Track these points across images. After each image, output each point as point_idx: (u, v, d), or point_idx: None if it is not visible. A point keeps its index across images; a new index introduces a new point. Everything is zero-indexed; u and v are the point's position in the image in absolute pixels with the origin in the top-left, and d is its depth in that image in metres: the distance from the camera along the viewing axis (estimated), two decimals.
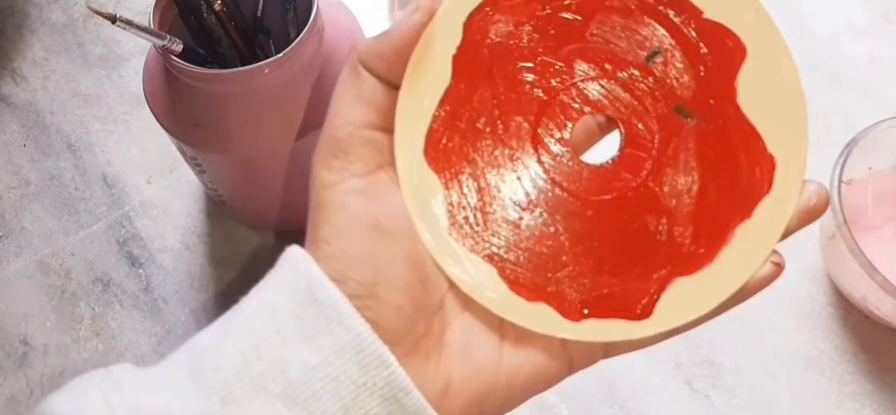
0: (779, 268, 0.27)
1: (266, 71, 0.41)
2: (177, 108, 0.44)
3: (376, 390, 0.24)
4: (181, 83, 0.43)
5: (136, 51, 0.65)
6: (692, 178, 0.27)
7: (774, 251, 0.26)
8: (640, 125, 0.27)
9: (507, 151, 0.28)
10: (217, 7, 0.43)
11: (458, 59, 0.28)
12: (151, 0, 0.43)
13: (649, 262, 0.27)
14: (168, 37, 0.41)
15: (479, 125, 0.28)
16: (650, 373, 0.49)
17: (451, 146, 0.28)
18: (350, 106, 0.27)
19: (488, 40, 0.28)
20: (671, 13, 0.28)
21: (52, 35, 0.67)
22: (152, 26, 0.42)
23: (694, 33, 0.27)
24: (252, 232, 0.56)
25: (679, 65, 0.27)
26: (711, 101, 0.27)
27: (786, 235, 0.26)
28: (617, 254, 0.27)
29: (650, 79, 0.28)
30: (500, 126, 0.28)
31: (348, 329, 0.24)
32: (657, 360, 0.49)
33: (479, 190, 0.28)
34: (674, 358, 0.50)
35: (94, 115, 0.62)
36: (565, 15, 0.28)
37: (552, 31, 0.28)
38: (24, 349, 0.53)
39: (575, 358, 0.28)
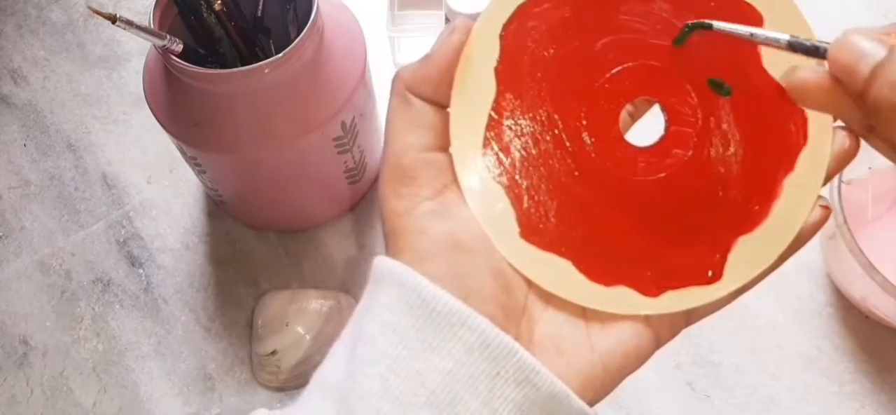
0: (827, 211, 0.28)
1: (266, 71, 0.41)
2: (177, 108, 0.44)
3: (509, 377, 0.26)
4: (181, 83, 0.43)
5: (136, 51, 0.65)
6: (736, 143, 0.29)
7: (820, 196, 0.28)
8: (680, 104, 0.29)
9: (561, 151, 0.29)
10: (217, 7, 0.43)
11: (499, 71, 0.29)
12: (151, 0, 0.43)
13: (711, 228, 0.29)
14: (168, 37, 0.41)
15: (530, 131, 0.29)
16: (650, 373, 0.49)
17: (509, 155, 0.29)
18: (406, 133, 0.28)
19: (525, 47, 0.29)
20: None
21: (52, 35, 0.67)
22: (152, 26, 0.42)
23: (714, 9, 0.29)
24: (252, 232, 0.56)
25: (707, 42, 0.29)
26: (740, 70, 0.29)
27: (827, 179, 0.28)
28: (681, 226, 0.29)
29: (682, 59, 0.29)
30: (551, 127, 0.29)
31: (472, 329, 0.26)
32: (657, 360, 0.49)
33: (543, 191, 0.29)
34: (674, 358, 0.50)
35: (94, 115, 0.62)
36: (592, 11, 0.30)
37: (583, 30, 0.29)
38: (24, 349, 0.53)
39: (660, 331, 0.29)
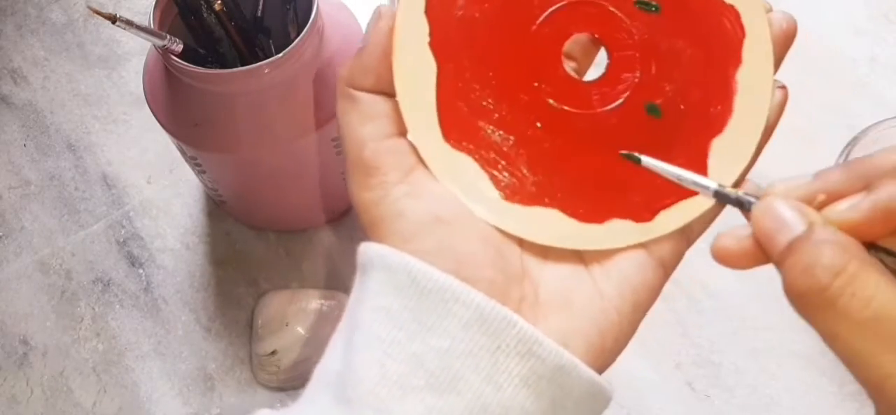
0: (784, 90, 0.29)
1: (266, 71, 0.41)
2: (177, 108, 0.44)
3: (511, 350, 0.25)
4: (181, 83, 0.43)
5: (136, 51, 0.65)
6: (679, 52, 0.29)
7: (775, 80, 0.29)
8: (616, 31, 0.30)
9: (516, 106, 0.29)
10: (217, 7, 0.43)
11: (433, 44, 0.29)
12: (151, 0, 0.43)
13: (682, 139, 0.29)
14: (168, 37, 0.41)
15: (479, 92, 0.29)
16: (650, 373, 0.49)
17: (465, 121, 0.29)
18: (360, 127, 0.28)
19: (453, 15, 0.29)
20: None
21: (52, 35, 0.67)
22: (152, 26, 0.42)
23: None
24: (252, 232, 0.56)
25: None
26: None
27: (777, 63, 0.29)
28: (653, 144, 0.29)
29: None
30: (500, 85, 0.29)
31: (466, 304, 0.25)
32: (657, 360, 0.49)
33: (509, 148, 0.29)
34: (674, 358, 0.50)
35: (94, 115, 0.62)
36: None
37: None
38: (24, 349, 0.53)
39: (664, 257, 0.28)
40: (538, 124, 0.29)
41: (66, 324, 0.53)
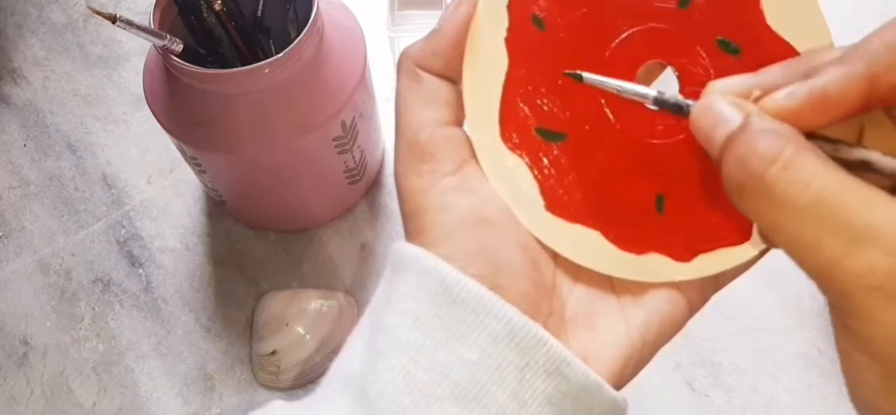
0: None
1: (266, 71, 0.41)
2: (177, 108, 0.44)
3: (539, 368, 0.24)
4: (181, 83, 0.43)
5: (136, 51, 0.65)
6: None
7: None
8: (692, 65, 0.29)
9: (579, 120, 0.29)
10: (217, 7, 0.43)
11: (510, 42, 0.29)
12: (151, 0, 0.43)
13: None
14: (168, 37, 0.41)
15: (547, 100, 0.29)
16: (650, 373, 0.48)
17: (526, 125, 0.29)
18: (420, 109, 0.27)
19: (533, 18, 0.29)
20: None
21: (52, 35, 0.67)
22: (152, 26, 0.42)
23: None
24: (252, 232, 0.56)
25: (711, 3, 0.29)
26: (746, 28, 0.29)
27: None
28: (706, 187, 0.28)
29: (689, 20, 0.29)
30: (567, 97, 0.29)
31: (498, 318, 0.24)
32: (657, 360, 0.49)
33: (563, 160, 0.28)
34: (674, 358, 0.50)
35: (94, 115, 0.62)
36: None
37: None
38: (24, 349, 0.53)
39: (692, 297, 0.28)
40: (598, 143, 0.29)
41: (66, 324, 0.53)
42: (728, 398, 0.48)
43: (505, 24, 0.28)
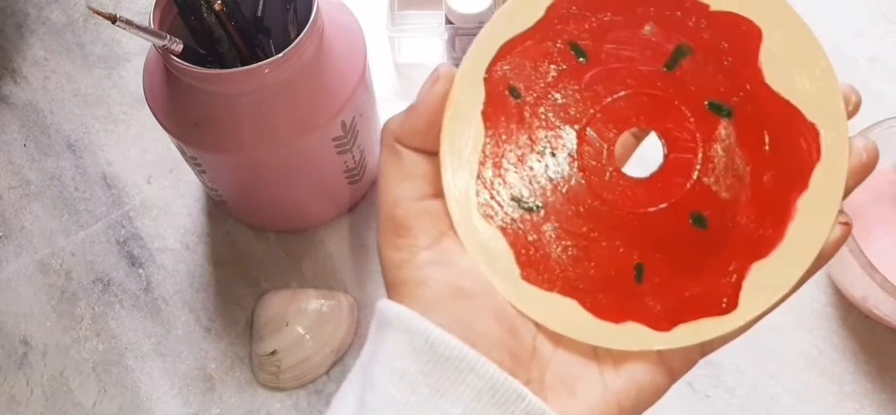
0: (848, 227, 0.27)
1: (266, 71, 0.41)
2: (177, 108, 0.44)
3: None
4: (181, 83, 0.43)
5: (136, 51, 0.65)
6: (742, 165, 0.27)
7: (841, 212, 0.27)
8: (678, 130, 0.28)
9: (556, 187, 0.28)
10: (217, 7, 0.43)
11: (486, 114, 0.28)
12: (151, 0, 0.43)
13: (722, 256, 0.27)
14: (168, 37, 0.41)
15: (524, 170, 0.29)
16: None
17: (503, 196, 0.28)
18: (398, 184, 0.28)
19: (511, 87, 0.29)
20: (678, 15, 0.28)
21: (52, 35, 0.67)
22: (152, 26, 0.42)
23: (707, 28, 0.28)
24: (252, 232, 0.56)
25: (701, 62, 0.28)
26: (740, 88, 0.28)
27: (846, 194, 0.27)
28: (689, 256, 0.28)
29: (676, 83, 0.28)
30: (543, 165, 0.29)
31: (480, 374, 0.25)
32: None
33: (539, 229, 0.28)
34: None
35: (94, 115, 0.62)
36: (579, 43, 0.29)
37: (570, 63, 0.29)
38: (24, 349, 0.53)
39: (674, 365, 0.28)
40: (576, 212, 0.28)
41: (66, 324, 0.53)
42: (728, 398, 0.48)
43: (481, 96, 0.28)
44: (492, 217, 0.28)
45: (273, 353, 0.49)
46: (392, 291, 0.28)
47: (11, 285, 0.55)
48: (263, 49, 0.49)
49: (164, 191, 0.58)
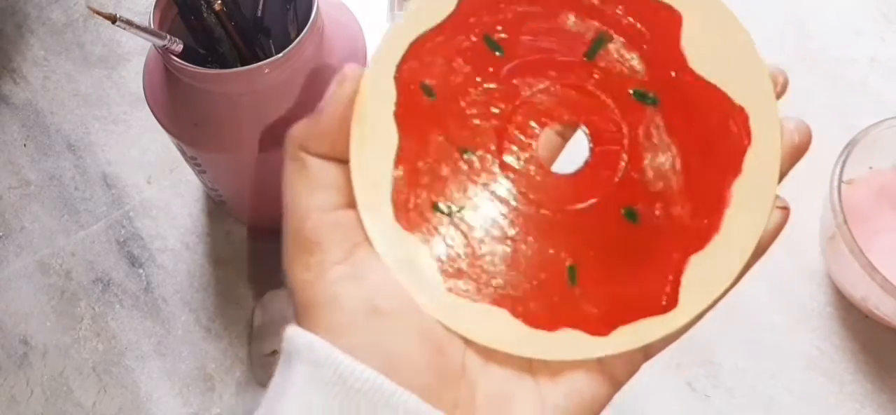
0: (786, 211, 0.26)
1: (266, 71, 0.41)
2: (177, 108, 0.44)
3: None
4: (181, 83, 0.43)
5: (136, 51, 0.65)
6: (671, 154, 0.26)
7: (777, 197, 0.26)
8: (603, 122, 0.27)
9: (478, 189, 0.27)
10: (217, 7, 0.43)
11: (399, 115, 0.27)
12: (151, 0, 0.43)
13: (658, 251, 0.26)
14: (168, 37, 0.41)
15: (442, 173, 0.27)
16: (650, 373, 0.49)
17: (421, 202, 0.27)
18: (306, 195, 0.26)
19: (423, 84, 0.27)
20: (596, 2, 0.27)
21: (52, 35, 0.67)
22: (152, 26, 0.42)
23: (626, 15, 0.27)
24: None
25: (622, 50, 0.27)
26: (664, 75, 0.27)
27: (781, 176, 0.26)
28: (623, 254, 0.26)
29: (598, 73, 0.27)
30: (463, 166, 0.27)
31: (394, 408, 0.23)
32: (657, 360, 0.49)
33: (463, 235, 0.26)
34: (674, 358, 0.50)
35: (94, 115, 0.62)
36: (493, 36, 0.27)
37: (485, 57, 0.27)
38: (24, 349, 0.53)
39: (616, 371, 0.27)
40: (502, 214, 0.26)
41: (66, 324, 0.53)
42: (728, 398, 0.48)
43: (393, 96, 0.27)
44: (410, 225, 0.26)
45: (273, 353, 0.49)
46: (302, 314, 0.26)
47: (11, 285, 0.55)
48: (263, 49, 0.49)
49: (164, 191, 0.58)
